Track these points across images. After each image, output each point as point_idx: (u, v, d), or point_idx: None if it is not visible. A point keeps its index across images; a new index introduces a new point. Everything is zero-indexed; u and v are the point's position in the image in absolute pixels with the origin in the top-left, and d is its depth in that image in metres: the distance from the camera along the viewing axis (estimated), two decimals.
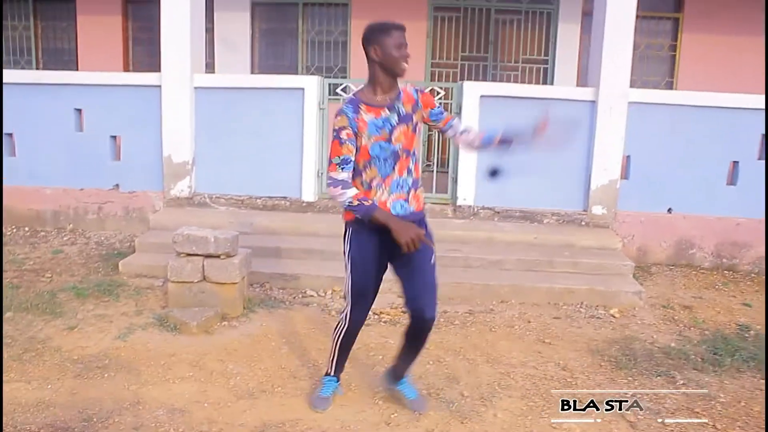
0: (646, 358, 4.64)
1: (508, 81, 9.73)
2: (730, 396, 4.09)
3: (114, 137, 7.40)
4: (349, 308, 3.52)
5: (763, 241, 6.97)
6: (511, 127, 3.46)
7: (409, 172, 3.38)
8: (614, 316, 5.52)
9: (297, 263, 6.08)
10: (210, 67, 9.76)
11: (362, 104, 3.30)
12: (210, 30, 9.69)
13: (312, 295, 5.70)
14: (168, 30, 7.06)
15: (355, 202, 3.19)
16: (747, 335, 5.24)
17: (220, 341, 4.60)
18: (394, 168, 3.34)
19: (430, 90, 7.08)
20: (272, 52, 10.38)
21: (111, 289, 5.50)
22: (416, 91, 3.43)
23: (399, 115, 3.32)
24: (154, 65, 7.34)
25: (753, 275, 6.98)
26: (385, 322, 5.14)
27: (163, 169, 7.23)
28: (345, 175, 3.24)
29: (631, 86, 7.03)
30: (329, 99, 7.16)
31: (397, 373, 3.75)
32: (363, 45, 3.31)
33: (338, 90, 7.13)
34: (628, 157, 7.06)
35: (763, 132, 6.88)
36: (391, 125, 3.30)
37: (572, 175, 7.06)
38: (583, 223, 6.99)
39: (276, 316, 5.14)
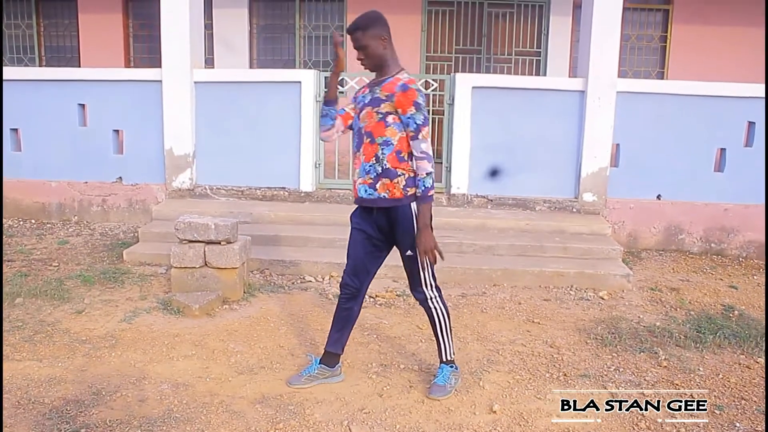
0: (632, 336, 4.82)
1: (502, 73, 9.90)
2: (709, 369, 4.28)
3: (117, 131, 7.59)
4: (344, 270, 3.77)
5: (750, 226, 7.16)
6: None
7: (377, 159, 3.46)
8: (603, 298, 5.71)
9: (295, 250, 6.27)
10: (209, 63, 9.96)
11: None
12: (209, 27, 9.89)
13: (310, 281, 5.88)
14: (168, 26, 7.25)
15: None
16: (731, 315, 5.42)
17: (221, 323, 4.79)
18: (359, 149, 3.54)
19: (424, 82, 7.26)
20: (270, 48, 10.57)
21: (116, 277, 5.70)
22: (403, 86, 3.40)
23: (372, 96, 3.49)
24: (155, 61, 7.55)
25: (741, 259, 7.17)
26: (380, 304, 5.34)
27: (165, 162, 7.43)
28: (337, 110, 3.67)
29: (623, 77, 7.23)
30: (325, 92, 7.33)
31: (442, 359, 3.84)
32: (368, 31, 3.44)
33: None
34: (618, 145, 7.24)
35: (750, 119, 7.06)
36: (363, 103, 3.53)
37: (563, 163, 7.25)
38: (574, 209, 7.18)
39: (275, 300, 5.34)
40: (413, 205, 3.51)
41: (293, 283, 5.81)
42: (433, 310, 3.72)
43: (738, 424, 3.55)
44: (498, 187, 7.26)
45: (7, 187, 7.60)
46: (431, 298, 3.69)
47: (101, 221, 7.61)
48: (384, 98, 3.43)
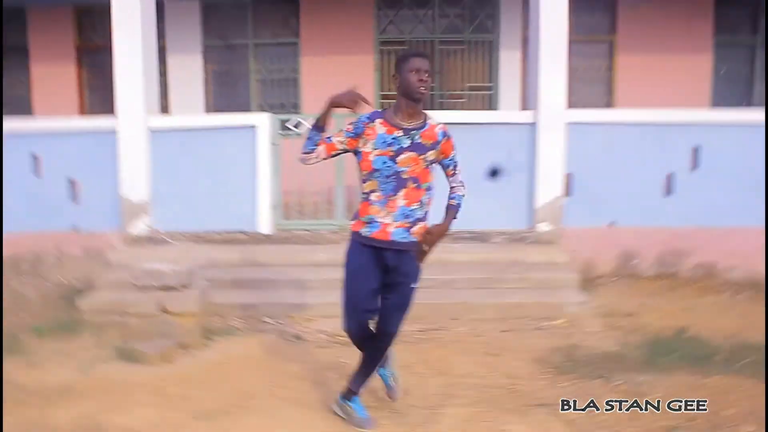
0: (587, 363, 4.90)
1: (455, 109, 10.05)
2: (662, 392, 4.35)
3: (72, 181, 7.54)
4: (343, 320, 3.77)
5: (700, 249, 7.32)
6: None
7: (422, 204, 3.61)
8: (559, 327, 5.79)
9: (254, 293, 6.25)
10: (165, 109, 9.98)
11: (380, 118, 3.60)
12: (163, 73, 9.94)
13: (270, 323, 5.87)
14: (121, 74, 7.27)
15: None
16: (684, 337, 5.53)
17: (180, 369, 4.76)
18: (397, 192, 3.55)
19: None
20: (226, 92, 10.63)
21: (71, 327, 5.62)
22: (444, 133, 3.62)
23: (412, 141, 3.53)
24: (110, 110, 7.55)
25: (693, 281, 7.30)
26: (339, 343, 5.34)
27: (121, 209, 7.39)
28: (323, 137, 3.65)
29: (573, 107, 7.39)
30: (281, 134, 7.41)
31: (351, 388, 3.92)
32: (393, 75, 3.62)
33: (288, 125, 7.39)
34: (570, 174, 7.38)
35: (695, 144, 7.27)
36: (399, 146, 3.53)
37: (518, 195, 7.35)
38: (530, 240, 7.28)
39: (234, 344, 5.32)
40: None
41: (252, 326, 5.79)
42: (388, 350, 3.87)
43: None
44: (455, 222, 7.32)
45: None
46: (396, 336, 3.81)
47: (56, 271, 7.51)
48: (429, 146, 3.56)
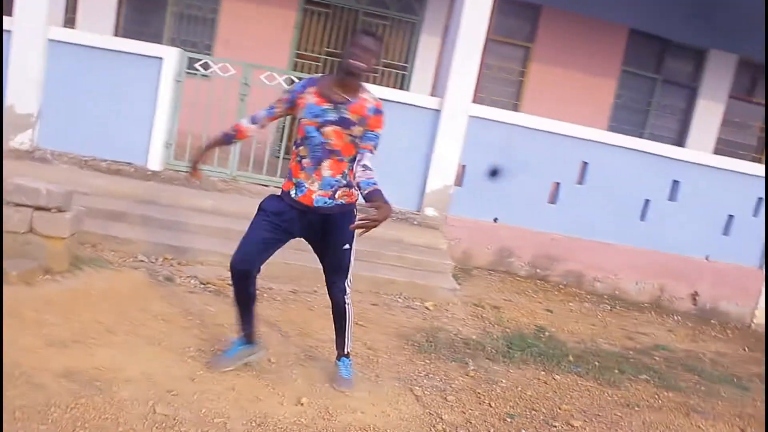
0: (447, 346, 5.09)
1: (368, 82, 10.07)
2: (511, 382, 4.61)
3: None
4: (233, 254, 3.76)
5: (573, 257, 7.73)
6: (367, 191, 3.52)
7: (344, 175, 3.65)
8: (428, 309, 5.97)
9: (131, 228, 6.10)
10: (71, 23, 9.51)
11: (313, 87, 3.63)
12: None
13: (143, 260, 5.75)
14: None
15: (230, 131, 3.84)
16: (541, 335, 5.85)
17: (39, 293, 4.59)
18: (321, 162, 3.60)
19: (288, 79, 7.30)
20: (139, 19, 10.23)
21: None
22: (375, 109, 3.61)
23: (339, 115, 3.56)
24: (9, 11, 7.12)
25: (561, 286, 7.71)
26: (210, 291, 5.31)
27: (3, 119, 7.02)
28: (259, 114, 3.79)
29: (480, 103, 7.58)
30: (187, 73, 7.23)
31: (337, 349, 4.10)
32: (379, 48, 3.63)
33: (197, 65, 7.22)
34: (464, 166, 7.58)
35: (584, 160, 7.63)
36: (325, 119, 3.57)
37: (411, 176, 7.49)
38: (415, 222, 7.44)
39: (102, 276, 5.16)
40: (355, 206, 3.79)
41: (125, 261, 5.65)
42: (347, 306, 3.98)
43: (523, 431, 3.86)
44: None
45: None
46: (347, 294, 3.94)
47: None
48: (355, 121, 3.57)
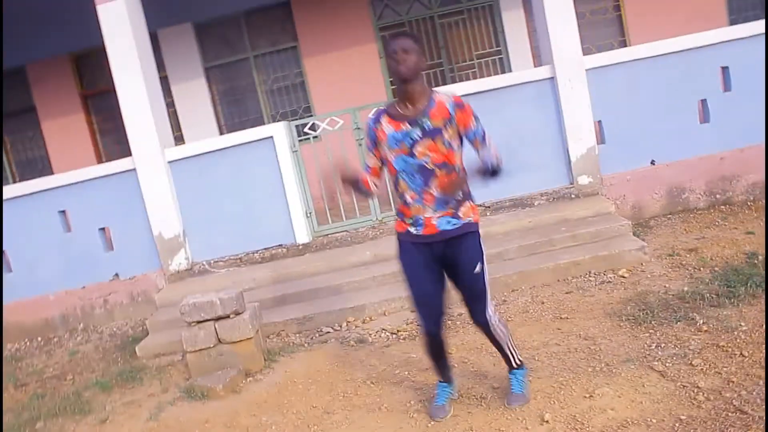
0: (663, 307, 4.68)
1: (467, 79, 9.80)
2: (751, 323, 4.14)
3: (102, 229, 7.47)
4: (417, 319, 3.66)
5: (749, 169, 7.04)
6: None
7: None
8: (624, 276, 5.57)
9: (306, 305, 6.13)
10: (180, 139, 9.89)
11: (385, 115, 3.42)
12: (171, 104, 9.86)
13: (328, 332, 5.72)
14: (130, 114, 7.16)
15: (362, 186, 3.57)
16: (755, 261, 5.27)
17: (248, 398, 4.63)
18: (428, 183, 3.35)
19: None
20: (236, 110, 10.52)
21: (133, 375, 5.54)
22: (455, 104, 3.34)
23: (423, 129, 3.30)
24: (126, 151, 7.45)
25: (749, 203, 7.01)
26: (404, 339, 5.17)
27: (158, 248, 7.30)
28: (363, 175, 3.57)
29: (586, 54, 7.13)
30: (300, 141, 7.26)
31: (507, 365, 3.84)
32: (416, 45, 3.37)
33: (306, 129, 7.24)
34: (600, 122, 7.13)
35: (723, 65, 6.98)
36: (411, 139, 3.32)
37: (551, 152, 7.13)
38: (572, 195, 7.05)
39: (298, 360, 5.17)
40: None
41: (312, 339, 5.65)
42: (497, 334, 3.63)
43: None
44: (492, 192, 7.11)
45: (8, 312, 7.46)
46: (494, 322, 3.59)
47: (107, 322, 7.45)
48: (443, 126, 3.31)
